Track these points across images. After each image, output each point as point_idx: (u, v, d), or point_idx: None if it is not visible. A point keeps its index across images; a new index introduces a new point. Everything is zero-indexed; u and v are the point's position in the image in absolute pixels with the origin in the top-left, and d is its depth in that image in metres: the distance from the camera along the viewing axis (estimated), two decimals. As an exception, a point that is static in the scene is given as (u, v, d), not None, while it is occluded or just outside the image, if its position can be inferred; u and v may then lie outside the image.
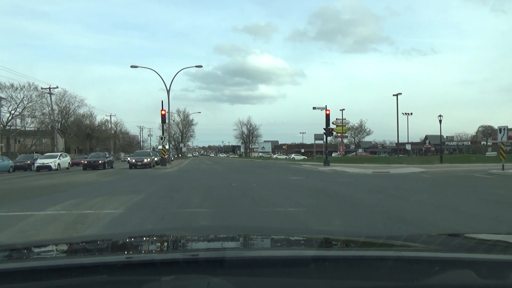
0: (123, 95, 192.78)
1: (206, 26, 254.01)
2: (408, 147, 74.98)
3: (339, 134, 56.77)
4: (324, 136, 36.47)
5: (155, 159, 35.21)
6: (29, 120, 55.27)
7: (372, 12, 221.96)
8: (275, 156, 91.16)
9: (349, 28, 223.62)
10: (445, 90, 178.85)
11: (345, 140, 79.21)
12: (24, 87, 51.06)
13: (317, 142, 54.89)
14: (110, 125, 78.71)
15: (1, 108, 47.99)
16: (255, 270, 1.10)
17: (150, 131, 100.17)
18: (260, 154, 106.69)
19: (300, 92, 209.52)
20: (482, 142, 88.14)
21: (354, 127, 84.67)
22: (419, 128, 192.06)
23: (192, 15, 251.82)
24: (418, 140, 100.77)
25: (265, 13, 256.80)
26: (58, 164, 32.29)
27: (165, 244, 1.73)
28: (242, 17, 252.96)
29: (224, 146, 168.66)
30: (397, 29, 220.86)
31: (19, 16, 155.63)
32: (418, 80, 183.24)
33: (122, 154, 77.32)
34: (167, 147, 35.90)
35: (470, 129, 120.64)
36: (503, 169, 20.27)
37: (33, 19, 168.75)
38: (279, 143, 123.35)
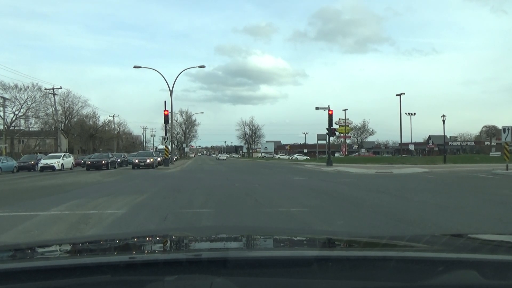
0: (125, 95, 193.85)
1: (206, 27, 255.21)
2: (411, 147, 74.83)
3: (342, 134, 56.64)
4: (327, 136, 36.41)
5: (158, 159, 35.32)
6: (32, 120, 55.41)
7: (373, 12, 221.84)
8: (277, 156, 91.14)
9: (349, 29, 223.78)
10: (448, 90, 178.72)
11: (348, 140, 78.99)
12: (28, 87, 51.19)
13: (319, 142, 54.99)
14: (113, 126, 78.81)
15: (5, 109, 48.12)
16: (258, 270, 1.10)
17: (153, 131, 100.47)
18: (263, 154, 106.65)
19: (302, 92, 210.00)
20: (486, 142, 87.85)
21: (357, 127, 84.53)
22: (422, 128, 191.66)
23: (192, 16, 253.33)
24: (421, 140, 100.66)
25: (265, 14, 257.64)
26: (62, 164, 32.44)
27: (168, 244, 1.73)
28: (242, 18, 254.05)
29: (227, 146, 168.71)
30: (398, 30, 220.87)
31: (19, 18, 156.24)
32: (420, 80, 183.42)
33: (126, 155, 77.32)
34: (169, 147, 35.93)
35: (474, 129, 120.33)
36: (507, 169, 20.19)
37: (34, 20, 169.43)
38: (282, 144, 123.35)
